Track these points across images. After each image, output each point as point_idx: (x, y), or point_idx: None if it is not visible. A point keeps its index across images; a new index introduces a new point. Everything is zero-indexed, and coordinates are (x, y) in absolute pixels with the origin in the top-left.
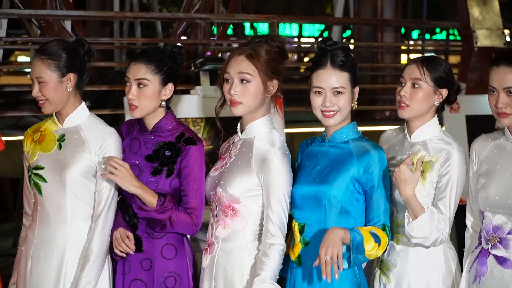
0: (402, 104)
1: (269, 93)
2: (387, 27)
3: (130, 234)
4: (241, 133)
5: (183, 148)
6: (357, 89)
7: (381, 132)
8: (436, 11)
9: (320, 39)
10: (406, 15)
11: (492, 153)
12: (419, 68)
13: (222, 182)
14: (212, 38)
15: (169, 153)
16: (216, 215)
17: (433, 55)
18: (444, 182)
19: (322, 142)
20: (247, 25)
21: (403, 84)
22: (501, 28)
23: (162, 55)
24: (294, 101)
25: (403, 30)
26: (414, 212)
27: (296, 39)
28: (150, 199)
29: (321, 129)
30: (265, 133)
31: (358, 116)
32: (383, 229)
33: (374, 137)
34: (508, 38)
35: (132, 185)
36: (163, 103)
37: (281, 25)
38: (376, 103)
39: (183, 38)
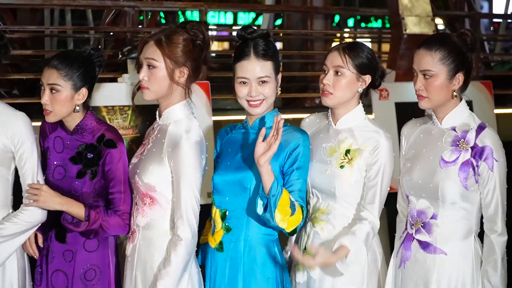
0: (325, 92)
1: (177, 80)
2: (316, 14)
3: (40, 239)
4: (159, 118)
5: (104, 151)
6: (280, 76)
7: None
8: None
9: (242, 26)
10: (338, 3)
11: (419, 137)
12: (341, 55)
13: (138, 171)
14: (140, 27)
15: (91, 155)
16: (136, 203)
17: (356, 41)
18: (374, 171)
19: (243, 129)
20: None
21: (326, 72)
22: (431, 15)
23: (75, 60)
24: (225, 88)
25: (337, 18)
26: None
27: (229, 27)
28: (77, 211)
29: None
30: (181, 120)
31: (288, 104)
32: (300, 208)
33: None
34: (440, 27)
35: (56, 204)
36: (77, 107)
37: (214, 13)
38: (306, 90)
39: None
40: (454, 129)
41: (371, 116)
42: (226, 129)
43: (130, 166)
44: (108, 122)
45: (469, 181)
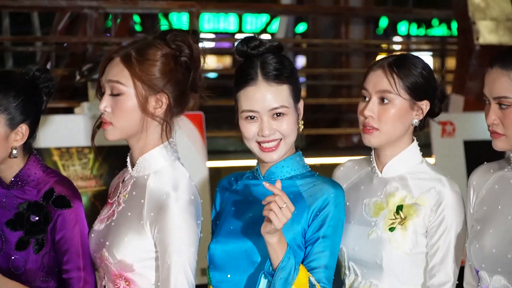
0: (368, 128)
1: (152, 112)
2: (354, 18)
3: None
4: (132, 168)
5: (54, 213)
6: (301, 104)
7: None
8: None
9: (242, 38)
10: (384, 2)
11: (493, 189)
12: (387, 75)
13: (108, 243)
14: (108, 35)
15: (36, 218)
16: (105, 286)
17: (405, 53)
18: (437, 236)
19: (253, 180)
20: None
21: (366, 99)
22: (511, 19)
23: (12, 85)
24: (225, 122)
25: (383, 23)
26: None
27: (237, 35)
28: None
29: (254, 162)
30: (163, 170)
31: (314, 143)
32: None
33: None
34: None
35: None
36: (14, 151)
37: (210, 16)
38: (339, 124)
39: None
40: None
41: (431, 160)
42: (229, 180)
43: (93, 235)
44: (62, 170)
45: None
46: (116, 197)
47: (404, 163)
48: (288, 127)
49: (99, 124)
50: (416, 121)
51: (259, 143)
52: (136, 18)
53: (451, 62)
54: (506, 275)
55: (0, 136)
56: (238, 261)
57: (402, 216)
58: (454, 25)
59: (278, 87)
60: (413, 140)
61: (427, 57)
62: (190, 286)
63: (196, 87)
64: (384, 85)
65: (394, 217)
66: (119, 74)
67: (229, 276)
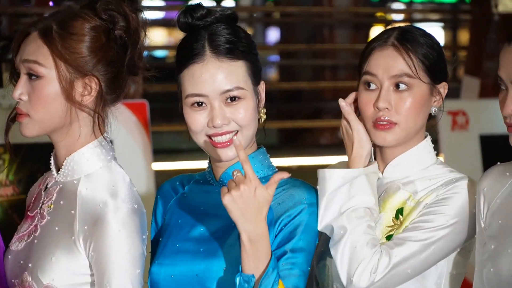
0: (383, 123)
1: (78, 101)
2: None
3: None
4: (57, 172)
5: None
6: (262, 87)
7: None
8: None
9: (184, 7)
10: None
11: (510, 198)
12: (402, 55)
13: (30, 265)
14: (27, 5)
15: None
16: None
17: (410, 26)
18: (426, 219)
19: (205, 185)
20: None
21: (372, 87)
22: None
23: None
24: (177, 113)
25: None
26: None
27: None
28: None
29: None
30: (97, 172)
31: (289, 140)
32: None
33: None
34: None
35: None
36: None
37: None
38: (321, 115)
39: None
40: None
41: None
42: (173, 185)
43: (10, 256)
44: (4, 168)
45: None
46: (38, 208)
47: (413, 163)
48: (246, 115)
49: (13, 116)
50: (435, 109)
51: (209, 136)
52: None
53: (464, 36)
54: None
55: None
56: (187, 287)
57: (401, 219)
58: None
59: (231, 64)
60: (425, 137)
61: (436, 30)
62: None
63: (135, 69)
64: (401, 67)
65: (392, 224)
66: (36, 52)
67: None
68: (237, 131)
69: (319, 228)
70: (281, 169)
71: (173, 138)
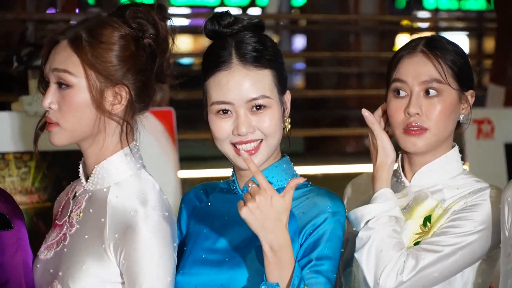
0: (414, 129)
1: (109, 110)
2: None
3: None
4: (86, 180)
5: None
6: (288, 96)
7: (356, 175)
8: None
9: (212, 14)
10: None
11: None
12: (432, 61)
13: (60, 273)
14: (52, 11)
15: None
16: None
17: (435, 35)
18: (454, 225)
19: (229, 194)
20: None
21: (402, 94)
22: None
23: None
24: (204, 121)
25: None
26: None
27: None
28: None
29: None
30: (127, 180)
31: (315, 147)
32: None
33: (343, 183)
34: None
35: None
36: None
37: None
38: (347, 123)
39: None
40: None
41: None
42: (197, 193)
43: (39, 265)
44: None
45: None
46: (67, 217)
47: (439, 172)
48: (271, 124)
49: (43, 125)
50: (463, 117)
51: (234, 144)
52: None
53: (489, 44)
54: None
55: None
56: None
57: (429, 227)
58: None
59: (258, 72)
60: (453, 146)
61: (461, 38)
62: None
63: (163, 77)
64: (431, 73)
65: (420, 231)
66: (66, 61)
67: None
68: (262, 139)
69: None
70: (306, 177)
71: (199, 145)
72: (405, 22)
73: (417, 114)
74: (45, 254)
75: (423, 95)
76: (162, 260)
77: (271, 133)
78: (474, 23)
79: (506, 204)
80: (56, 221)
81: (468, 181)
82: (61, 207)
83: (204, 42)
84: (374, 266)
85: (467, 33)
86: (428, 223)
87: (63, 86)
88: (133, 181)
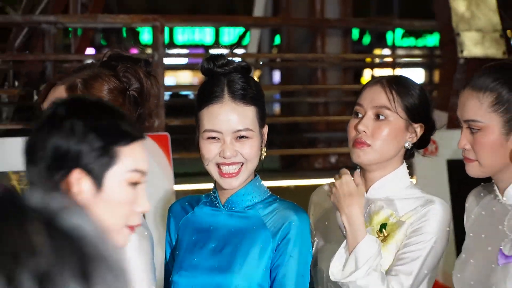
0: (359, 143)
1: None
2: (330, 29)
3: None
4: None
5: None
6: (266, 129)
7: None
8: (414, 7)
9: (208, 56)
10: (364, 12)
11: (480, 215)
12: (385, 91)
13: None
14: (67, 53)
15: None
16: None
17: (401, 75)
18: (413, 241)
19: (212, 208)
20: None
21: (360, 115)
22: (499, 30)
23: None
24: (185, 143)
25: (366, 39)
26: (354, 238)
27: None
28: None
29: None
30: None
31: (289, 165)
32: None
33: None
34: None
35: None
36: None
37: (183, 29)
38: (315, 144)
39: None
40: None
41: (413, 180)
42: (182, 205)
43: None
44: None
45: None
46: None
47: (392, 185)
48: (251, 151)
49: None
50: (409, 144)
51: (218, 166)
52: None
53: (436, 76)
54: None
55: None
56: None
57: (385, 234)
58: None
59: (244, 108)
60: (402, 163)
61: (416, 71)
62: None
63: (143, 122)
64: (382, 100)
65: (377, 236)
66: None
67: None
68: (243, 163)
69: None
70: (281, 188)
71: (190, 164)
72: (367, 60)
73: (364, 131)
74: None
75: (374, 117)
76: (144, 273)
77: (250, 159)
78: (425, 59)
79: (466, 210)
80: None
81: (416, 193)
82: None
83: (199, 76)
84: None
85: (421, 66)
86: (384, 230)
87: None
88: None
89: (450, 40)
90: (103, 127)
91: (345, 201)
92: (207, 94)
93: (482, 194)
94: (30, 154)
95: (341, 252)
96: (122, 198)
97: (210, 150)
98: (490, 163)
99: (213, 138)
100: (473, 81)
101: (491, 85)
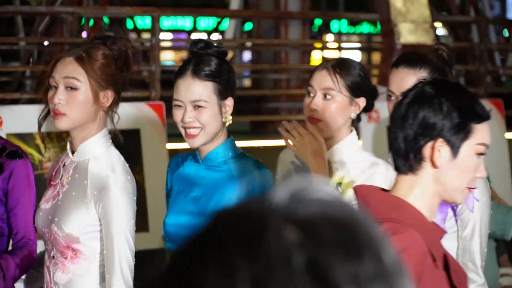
0: (312, 119)
1: (101, 105)
2: (292, 20)
3: None
4: (72, 154)
5: (7, 163)
6: (230, 101)
7: (283, 148)
8: (357, 1)
9: (193, 40)
10: (318, 6)
11: None
12: (330, 75)
13: (56, 219)
14: (85, 34)
15: None
16: (53, 257)
17: (345, 57)
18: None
19: (195, 163)
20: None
21: (311, 95)
22: (429, 21)
23: None
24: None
25: (318, 22)
26: None
27: (188, 35)
28: None
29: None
30: (101, 155)
31: (257, 128)
32: None
33: (277, 153)
34: (440, 32)
35: None
36: None
37: (170, 18)
38: (279, 112)
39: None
40: None
41: (359, 142)
42: (177, 160)
43: (40, 213)
44: (43, 152)
45: (448, 223)
46: (59, 179)
47: (344, 150)
48: (207, 119)
49: (45, 115)
50: (354, 115)
51: (184, 128)
52: (105, 21)
53: (376, 57)
54: None
55: None
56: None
57: (340, 191)
58: (379, 25)
59: (202, 83)
60: (351, 131)
61: (358, 53)
62: (132, 252)
63: (126, 85)
64: (327, 83)
65: None
66: (75, 72)
67: None
68: (202, 128)
69: None
70: (251, 148)
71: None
72: (317, 45)
73: (316, 110)
74: (44, 205)
75: (322, 97)
76: (127, 209)
77: (206, 125)
78: (365, 44)
79: None
80: (51, 182)
81: (364, 156)
82: (54, 172)
83: (183, 55)
84: None
85: (361, 50)
86: (339, 187)
87: (71, 89)
88: (105, 155)
89: (389, 30)
90: (463, 106)
91: (312, 157)
92: (178, 70)
93: None
94: (401, 121)
95: None
96: (471, 165)
97: (176, 115)
98: None
99: (178, 106)
100: (406, 61)
101: (422, 64)
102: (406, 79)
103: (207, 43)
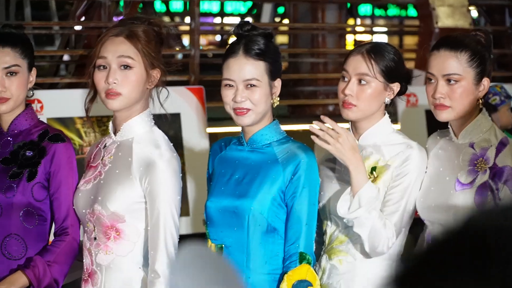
0: (347, 104)
1: (151, 84)
2: (328, 4)
3: None
4: (115, 134)
5: (49, 147)
6: (278, 82)
7: None
8: None
9: (239, 22)
10: None
11: (437, 154)
12: (365, 60)
13: (100, 198)
14: (119, 19)
15: (31, 153)
16: (95, 238)
17: (380, 42)
18: (398, 183)
19: (239, 146)
20: (158, 2)
21: (346, 79)
22: (466, 5)
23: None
24: (218, 94)
25: (348, 6)
26: (358, 183)
27: (217, 19)
28: (21, 281)
29: None
30: (145, 133)
31: (295, 112)
32: (302, 259)
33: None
34: (473, 14)
35: None
36: (31, 92)
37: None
38: (316, 96)
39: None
40: (472, 146)
41: (397, 126)
42: (219, 144)
43: (80, 194)
44: (84, 136)
45: None
46: (100, 160)
47: (377, 133)
48: (258, 98)
49: (92, 97)
50: (388, 100)
51: (234, 109)
52: (140, 5)
53: (408, 40)
54: (444, 226)
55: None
56: (229, 218)
57: (375, 175)
58: (410, 7)
59: (254, 62)
60: (384, 114)
61: (386, 36)
62: (177, 228)
63: (162, 58)
64: (362, 69)
65: (368, 177)
66: (128, 51)
67: (222, 231)
68: (251, 108)
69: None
70: (290, 132)
71: (221, 110)
72: (348, 29)
73: (350, 95)
74: (84, 186)
75: (357, 82)
76: (173, 185)
77: (257, 104)
78: (400, 27)
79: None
80: (91, 164)
81: (398, 138)
82: (93, 154)
83: (209, 39)
84: (372, 242)
85: (393, 34)
86: (374, 172)
87: (125, 68)
88: (149, 133)
89: (427, 14)
90: None
91: (351, 154)
92: (228, 50)
93: (438, 137)
94: None
95: (345, 196)
96: None
97: (226, 95)
98: (461, 109)
99: (230, 85)
100: (447, 44)
101: (463, 47)
102: (448, 61)
103: (253, 26)
